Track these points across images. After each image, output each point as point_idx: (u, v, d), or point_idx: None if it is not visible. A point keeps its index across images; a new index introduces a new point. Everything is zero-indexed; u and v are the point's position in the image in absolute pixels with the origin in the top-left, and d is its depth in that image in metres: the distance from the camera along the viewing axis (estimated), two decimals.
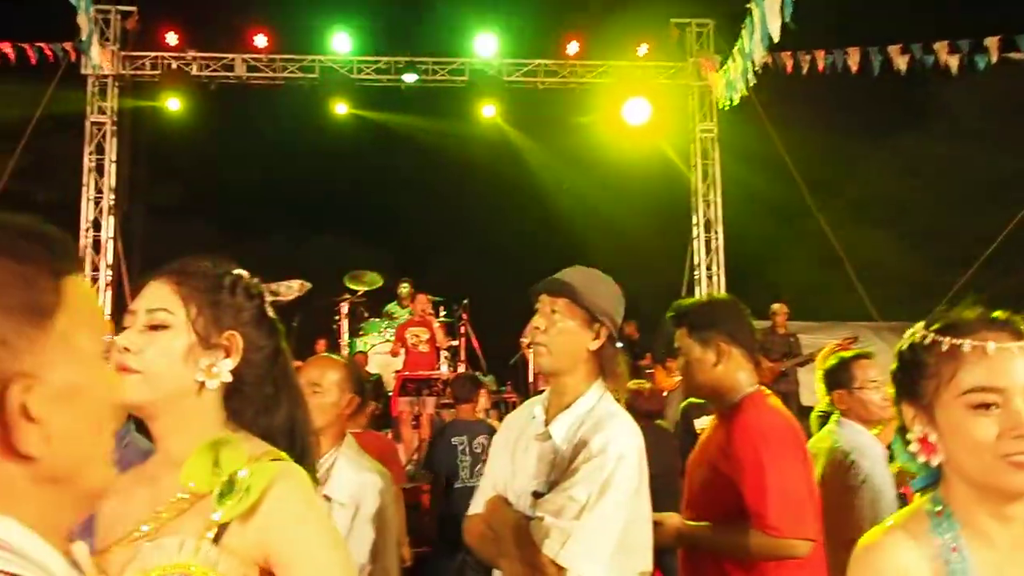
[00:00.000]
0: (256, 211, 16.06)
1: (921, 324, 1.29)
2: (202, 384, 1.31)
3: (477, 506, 2.21)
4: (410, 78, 11.68)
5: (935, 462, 1.24)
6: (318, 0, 12.28)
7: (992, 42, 9.49)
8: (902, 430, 1.30)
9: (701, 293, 12.04)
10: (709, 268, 12.18)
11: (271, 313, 1.43)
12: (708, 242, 12.22)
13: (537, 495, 2.04)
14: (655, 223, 13.30)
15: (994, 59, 9.53)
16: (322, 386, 2.58)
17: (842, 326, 10.64)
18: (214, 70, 11.61)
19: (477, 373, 9.64)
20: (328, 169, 14.91)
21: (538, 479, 2.07)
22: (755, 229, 13.64)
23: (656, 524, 2.25)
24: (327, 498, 2.47)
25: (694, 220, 12.27)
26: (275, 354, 1.41)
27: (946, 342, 1.21)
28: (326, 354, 2.88)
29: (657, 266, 12.83)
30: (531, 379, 8.85)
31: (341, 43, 11.58)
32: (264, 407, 1.38)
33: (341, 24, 11.72)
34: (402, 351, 9.04)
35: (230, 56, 11.62)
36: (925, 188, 20.51)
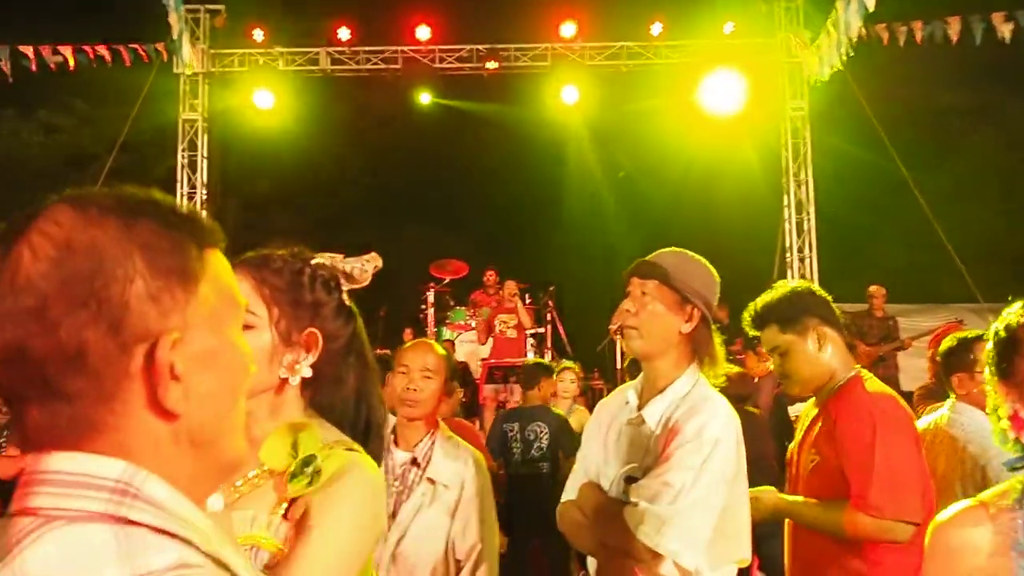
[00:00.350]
0: (344, 202, 16.41)
1: (1021, 303, 1.31)
2: (285, 380, 1.36)
3: (570, 493, 2.19)
4: (492, 65, 11.70)
5: None
6: None
7: None
8: (996, 409, 1.31)
9: (793, 276, 11.70)
10: (801, 251, 11.83)
11: (348, 302, 1.48)
12: (800, 224, 11.87)
13: (630, 480, 2.01)
14: (745, 205, 12.99)
15: None
16: (432, 371, 2.62)
17: (943, 308, 10.21)
18: (300, 64, 11.89)
19: (564, 360, 9.65)
20: (413, 158, 15.10)
21: (632, 464, 2.05)
22: (849, 210, 13.18)
23: (753, 500, 2.21)
24: (431, 481, 2.50)
25: (785, 201, 11.92)
26: (351, 341, 1.46)
27: None
28: (424, 340, 2.92)
29: (748, 249, 12.54)
30: (619, 366, 8.78)
31: (423, 32, 11.69)
32: (338, 391, 1.43)
33: (422, 13, 11.83)
34: (489, 340, 9.09)
35: (315, 50, 11.87)
36: None
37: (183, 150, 11.84)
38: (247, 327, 1.33)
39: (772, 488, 2.41)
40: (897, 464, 2.13)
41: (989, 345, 1.34)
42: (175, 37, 10.45)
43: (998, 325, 1.32)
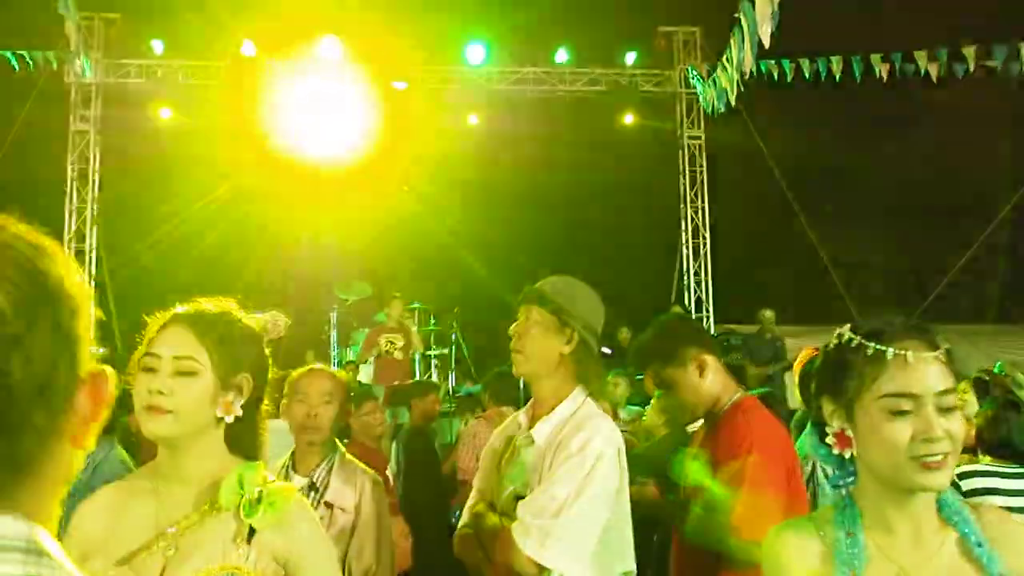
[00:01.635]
0: (246, 218, 16.00)
1: (848, 326, 1.37)
2: (220, 418, 1.55)
3: (466, 517, 2.25)
4: (400, 85, 11.74)
5: (847, 455, 1.33)
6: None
7: (970, 51, 9.63)
8: (818, 424, 1.39)
9: (690, 298, 12.13)
10: (697, 273, 12.27)
11: (267, 351, 1.71)
12: (696, 248, 12.32)
13: (520, 499, 2.08)
14: (646, 229, 13.37)
15: (972, 67, 9.66)
16: (330, 396, 2.67)
17: (828, 330, 10.70)
18: (199, 79, 11.60)
19: (467, 382, 9.67)
20: (318, 178, 14.89)
21: (522, 483, 2.11)
22: (743, 235, 13.74)
23: (642, 483, 2.34)
24: (328, 505, 2.53)
25: (683, 226, 12.36)
26: (263, 387, 1.66)
27: (871, 347, 1.29)
28: (320, 365, 2.92)
29: (648, 272, 12.91)
30: (522, 387, 8.86)
31: (330, 48, 11.64)
32: (251, 431, 1.64)
33: (328, 30, 11.77)
34: (371, 357, 8.73)
35: (218, 63, 11.64)
36: (908, 194, 20.72)
37: (72, 162, 11.39)
38: (190, 373, 1.52)
39: (652, 486, 2.51)
40: (762, 486, 2.25)
41: (816, 363, 1.42)
42: (72, 47, 10.09)
43: (829, 346, 1.39)
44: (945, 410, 1.25)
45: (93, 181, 11.46)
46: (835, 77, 10.57)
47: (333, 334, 10.37)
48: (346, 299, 10.55)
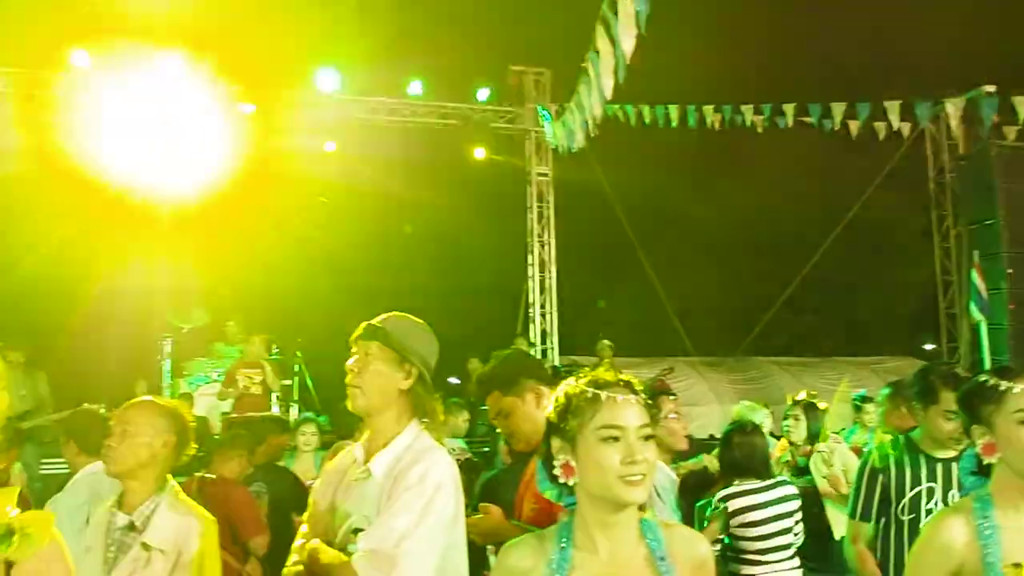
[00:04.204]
0: (73, 240, 15.05)
1: (575, 376, 1.71)
2: None
3: (296, 555, 2.21)
4: (248, 108, 11.46)
5: (572, 482, 1.62)
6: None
7: (789, 108, 10.55)
8: (547, 459, 1.68)
9: (536, 330, 12.45)
10: (543, 306, 12.62)
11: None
12: (542, 281, 12.68)
13: (358, 531, 2.11)
14: (495, 261, 13.64)
15: (791, 122, 10.59)
16: (131, 427, 2.50)
17: (662, 361, 11.32)
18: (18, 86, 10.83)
19: (310, 413, 9.48)
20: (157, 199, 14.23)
21: (362, 516, 2.14)
22: (586, 269, 14.27)
23: (483, 509, 2.51)
24: (146, 546, 2.40)
25: (529, 260, 12.70)
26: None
27: (590, 391, 1.64)
28: (147, 397, 2.78)
29: (496, 304, 13.15)
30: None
31: (172, 67, 11.22)
32: None
33: (171, 46, 11.36)
34: (232, 392, 8.63)
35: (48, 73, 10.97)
36: (738, 233, 22.23)
37: None
38: None
39: (499, 509, 2.62)
40: None
41: (553, 409, 1.71)
42: None
43: (558, 393, 1.71)
44: (644, 439, 1.58)
45: None
46: (672, 123, 11.27)
47: (166, 364, 9.89)
48: (181, 327, 10.12)
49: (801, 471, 4.86)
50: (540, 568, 1.62)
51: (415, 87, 12.17)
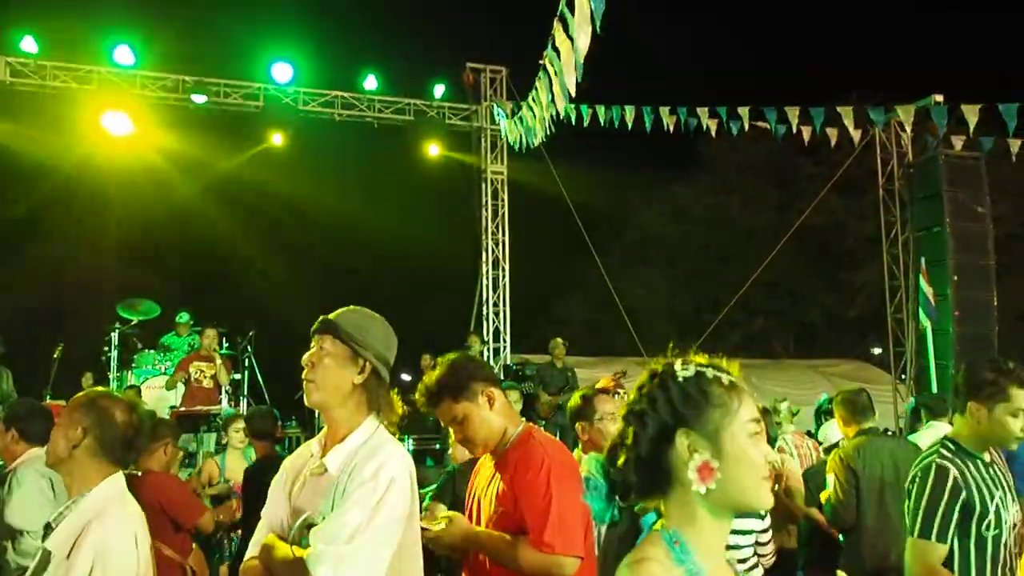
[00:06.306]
0: (21, 225, 14.69)
1: (676, 360, 1.46)
2: None
3: (252, 549, 2.20)
4: (199, 99, 11.25)
5: (706, 489, 1.36)
6: (99, 6, 11.54)
7: (744, 111, 10.66)
8: (614, 464, 1.44)
9: (488, 327, 12.44)
10: (496, 304, 12.61)
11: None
12: (496, 279, 12.67)
13: (312, 527, 2.07)
14: (448, 259, 13.61)
15: (746, 126, 10.70)
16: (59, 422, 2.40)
17: (615, 361, 11.39)
18: None
19: (237, 410, 9.39)
20: (103, 188, 13.92)
21: (316, 512, 2.10)
22: (540, 268, 14.31)
23: (446, 520, 2.46)
24: (46, 552, 2.26)
25: (483, 257, 12.68)
26: None
27: (725, 378, 1.42)
28: (99, 388, 2.66)
29: (449, 301, 13.12)
30: (317, 414, 8.70)
31: (124, 55, 10.99)
32: None
33: (124, 34, 11.14)
34: (180, 385, 8.58)
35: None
36: (691, 235, 22.56)
37: None
38: None
39: (462, 515, 2.60)
40: (566, 506, 2.42)
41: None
42: None
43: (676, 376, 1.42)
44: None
45: None
46: (627, 125, 11.32)
47: (114, 355, 9.67)
48: (130, 319, 9.89)
49: None
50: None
51: (370, 82, 12.08)
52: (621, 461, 1.43)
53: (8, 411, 4.01)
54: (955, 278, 10.87)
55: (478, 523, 2.62)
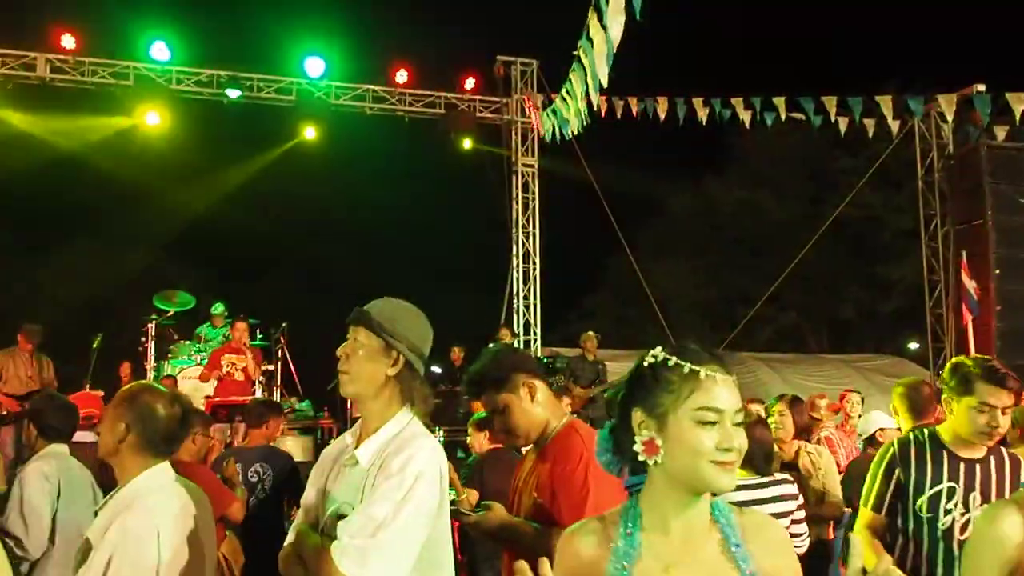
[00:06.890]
0: (55, 220, 14.97)
1: (660, 347, 1.55)
2: None
3: (290, 536, 2.22)
4: (233, 93, 11.35)
5: (653, 461, 1.47)
6: (135, 3, 11.70)
7: (780, 101, 10.53)
8: (618, 430, 1.57)
9: (519, 321, 12.43)
10: (527, 297, 12.59)
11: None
12: (526, 272, 12.65)
13: (342, 518, 2.09)
14: (478, 252, 13.62)
15: (782, 116, 10.57)
16: (95, 418, 2.48)
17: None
18: (11, 68, 10.81)
19: (293, 398, 9.45)
20: (139, 182, 14.13)
21: (346, 503, 2.12)
22: (571, 261, 14.25)
23: (485, 508, 2.47)
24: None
25: (514, 251, 12.66)
26: None
27: (687, 366, 1.47)
28: (142, 382, 2.71)
29: (479, 294, 13.13)
30: (349, 405, 8.77)
31: (159, 50, 11.13)
32: None
33: (158, 30, 11.28)
34: (216, 375, 8.70)
35: (32, 55, 10.88)
36: (722, 228, 22.34)
37: None
38: None
39: (500, 505, 2.60)
40: (603, 500, 2.40)
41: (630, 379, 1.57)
42: None
43: (642, 362, 1.55)
44: (737, 425, 1.46)
45: None
46: (660, 117, 11.23)
47: (151, 345, 9.82)
48: (166, 310, 10.04)
49: (787, 467, 4.87)
50: (605, 555, 1.50)
51: (402, 76, 12.12)
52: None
53: (31, 405, 3.98)
54: (996, 272, 10.66)
55: (518, 515, 2.62)
